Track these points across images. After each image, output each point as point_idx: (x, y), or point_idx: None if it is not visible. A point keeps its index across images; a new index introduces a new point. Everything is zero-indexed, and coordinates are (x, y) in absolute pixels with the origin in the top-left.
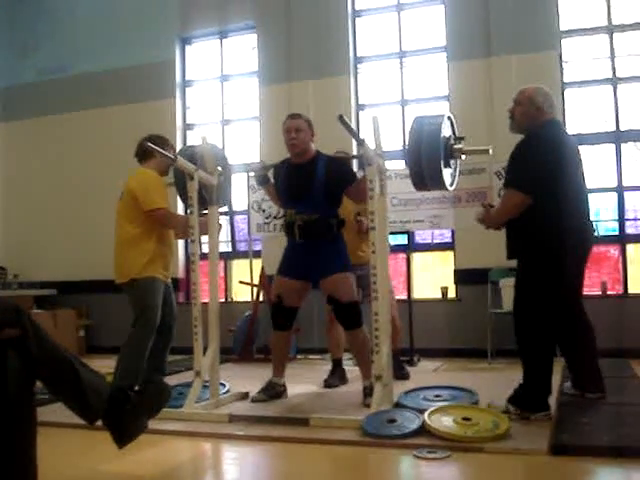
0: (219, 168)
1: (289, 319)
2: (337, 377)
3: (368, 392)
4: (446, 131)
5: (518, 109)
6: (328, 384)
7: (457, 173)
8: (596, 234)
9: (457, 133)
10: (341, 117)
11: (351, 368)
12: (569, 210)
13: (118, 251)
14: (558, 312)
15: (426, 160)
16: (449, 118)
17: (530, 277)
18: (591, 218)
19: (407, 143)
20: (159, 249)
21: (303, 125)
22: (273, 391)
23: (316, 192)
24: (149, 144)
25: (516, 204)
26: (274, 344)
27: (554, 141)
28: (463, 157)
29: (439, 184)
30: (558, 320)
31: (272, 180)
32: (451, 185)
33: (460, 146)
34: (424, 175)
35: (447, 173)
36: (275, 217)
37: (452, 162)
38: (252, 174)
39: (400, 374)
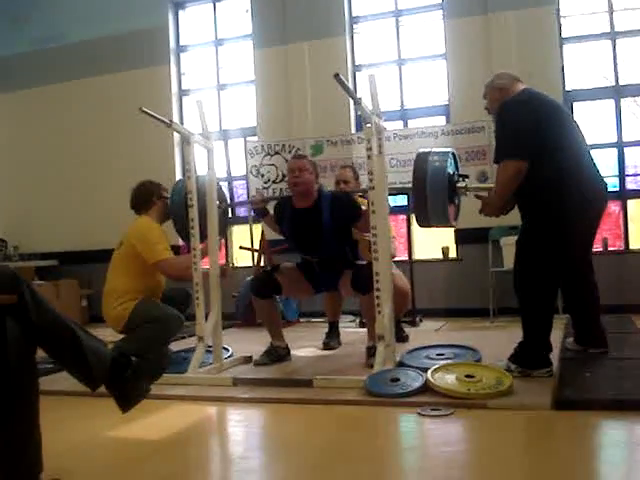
0: (217, 202)
1: (270, 291)
2: (335, 338)
3: (372, 352)
4: (450, 169)
5: (488, 100)
6: (328, 346)
7: (459, 208)
8: (607, 189)
9: (460, 170)
10: (337, 76)
11: (353, 330)
12: (568, 165)
13: (109, 301)
14: (564, 270)
15: (431, 201)
16: (452, 154)
17: (534, 235)
18: (600, 173)
19: (412, 182)
20: (148, 293)
21: (307, 165)
22: (275, 354)
23: (327, 240)
24: (144, 109)
25: (511, 175)
26: (259, 312)
27: (529, 101)
28: (468, 194)
29: (443, 222)
30: (564, 278)
31: (271, 212)
32: (455, 220)
33: (464, 184)
34: (429, 215)
35: (451, 210)
36: (274, 181)
37: (455, 199)
38: (251, 206)
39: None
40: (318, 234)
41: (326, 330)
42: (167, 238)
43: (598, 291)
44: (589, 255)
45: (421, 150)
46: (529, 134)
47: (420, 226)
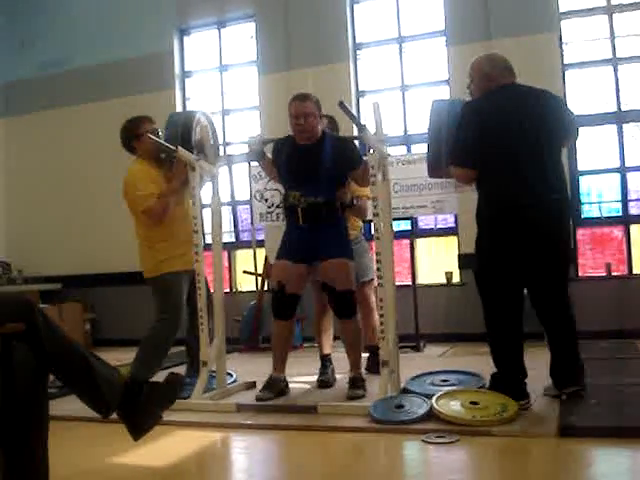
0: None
1: (291, 307)
2: (330, 374)
3: (355, 384)
4: None
5: (472, 84)
6: (325, 383)
7: None
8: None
9: None
10: (341, 103)
11: None
12: (493, 186)
13: (139, 250)
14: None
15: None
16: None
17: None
18: (539, 195)
19: (428, 127)
20: (172, 244)
21: (311, 109)
22: (277, 387)
23: (323, 175)
24: (150, 135)
25: (462, 181)
26: (277, 334)
27: (477, 110)
28: None
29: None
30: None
31: (268, 155)
32: None
33: None
34: (442, 159)
35: None
36: (278, 206)
37: None
38: (249, 148)
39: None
40: (314, 168)
41: (333, 355)
42: (152, 179)
43: (518, 334)
44: (507, 281)
45: (435, 99)
46: (476, 147)
47: (431, 176)
